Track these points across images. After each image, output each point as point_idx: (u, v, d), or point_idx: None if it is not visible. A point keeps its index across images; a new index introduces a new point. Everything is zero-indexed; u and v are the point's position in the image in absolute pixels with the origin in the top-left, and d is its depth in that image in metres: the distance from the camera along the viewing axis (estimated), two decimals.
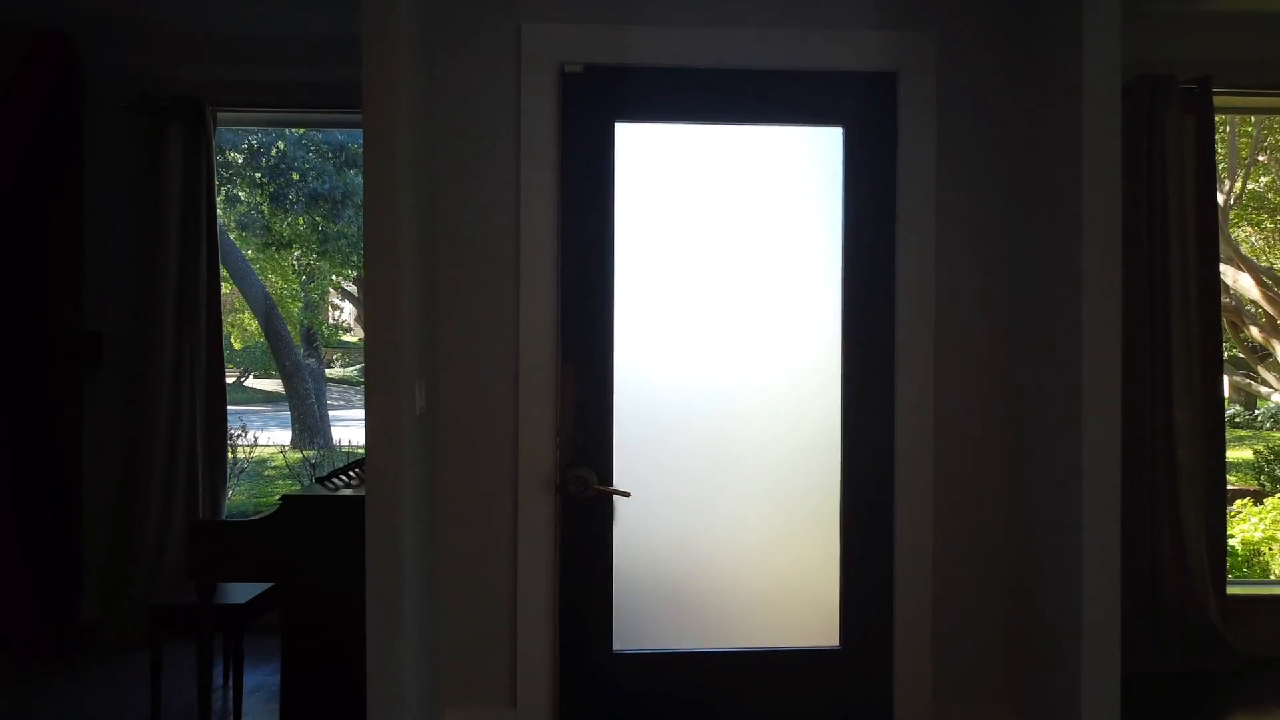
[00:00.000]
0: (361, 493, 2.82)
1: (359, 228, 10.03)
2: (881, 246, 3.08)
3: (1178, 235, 3.89)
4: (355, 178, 9.73)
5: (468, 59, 2.99)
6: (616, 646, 3.03)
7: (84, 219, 4.22)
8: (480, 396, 3.01)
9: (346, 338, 18.83)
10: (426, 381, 2.83)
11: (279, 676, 3.60)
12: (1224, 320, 7.35)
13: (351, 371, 19.58)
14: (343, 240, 10.22)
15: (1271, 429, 9.78)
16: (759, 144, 3.07)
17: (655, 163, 3.04)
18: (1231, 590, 4.02)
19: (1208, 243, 3.94)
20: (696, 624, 3.08)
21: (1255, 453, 7.98)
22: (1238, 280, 6.51)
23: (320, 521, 2.73)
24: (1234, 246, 6.54)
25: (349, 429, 12.70)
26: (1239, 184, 7.15)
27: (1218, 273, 4.01)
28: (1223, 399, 4.02)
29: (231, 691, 3.20)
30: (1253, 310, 6.76)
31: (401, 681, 2.57)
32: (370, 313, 2.55)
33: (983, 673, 3.10)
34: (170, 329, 4.16)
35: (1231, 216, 7.77)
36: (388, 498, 2.54)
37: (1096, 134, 2.64)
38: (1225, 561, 3.97)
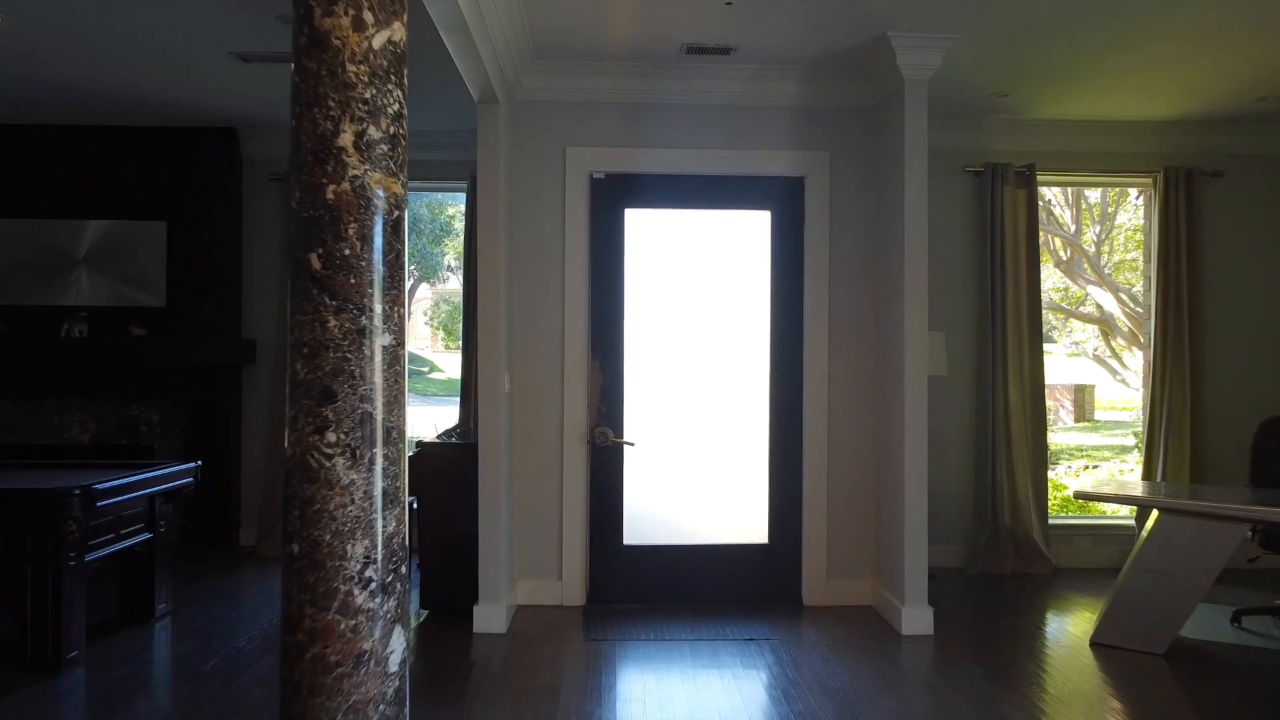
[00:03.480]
0: (459, 442, 4.50)
1: (416, 246, 11.78)
2: (795, 287, 4.79)
3: (1011, 271, 5.61)
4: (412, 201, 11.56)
5: (532, 168, 4.69)
6: (626, 541, 4.74)
7: (241, 258, 5.91)
8: (539, 381, 4.70)
9: None
10: (509, 372, 4.52)
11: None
12: (1096, 328, 9.06)
13: None
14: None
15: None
16: (718, 221, 4.79)
17: (652, 233, 4.76)
18: (1051, 521, 5.74)
19: (1031, 275, 5.66)
20: (677, 527, 4.79)
21: (1135, 435, 9.81)
22: (1103, 300, 8.22)
23: (442, 459, 4.42)
24: (1100, 271, 8.24)
25: None
26: (1119, 219, 8.86)
27: (1039, 298, 5.73)
28: (1044, 387, 5.72)
29: None
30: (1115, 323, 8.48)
31: (500, 559, 4.26)
32: (481, 329, 4.24)
33: (859, 559, 4.82)
34: None
35: (1118, 244, 9.50)
36: (491, 445, 4.24)
37: (911, 195, 4.33)
38: (1047, 501, 5.68)
